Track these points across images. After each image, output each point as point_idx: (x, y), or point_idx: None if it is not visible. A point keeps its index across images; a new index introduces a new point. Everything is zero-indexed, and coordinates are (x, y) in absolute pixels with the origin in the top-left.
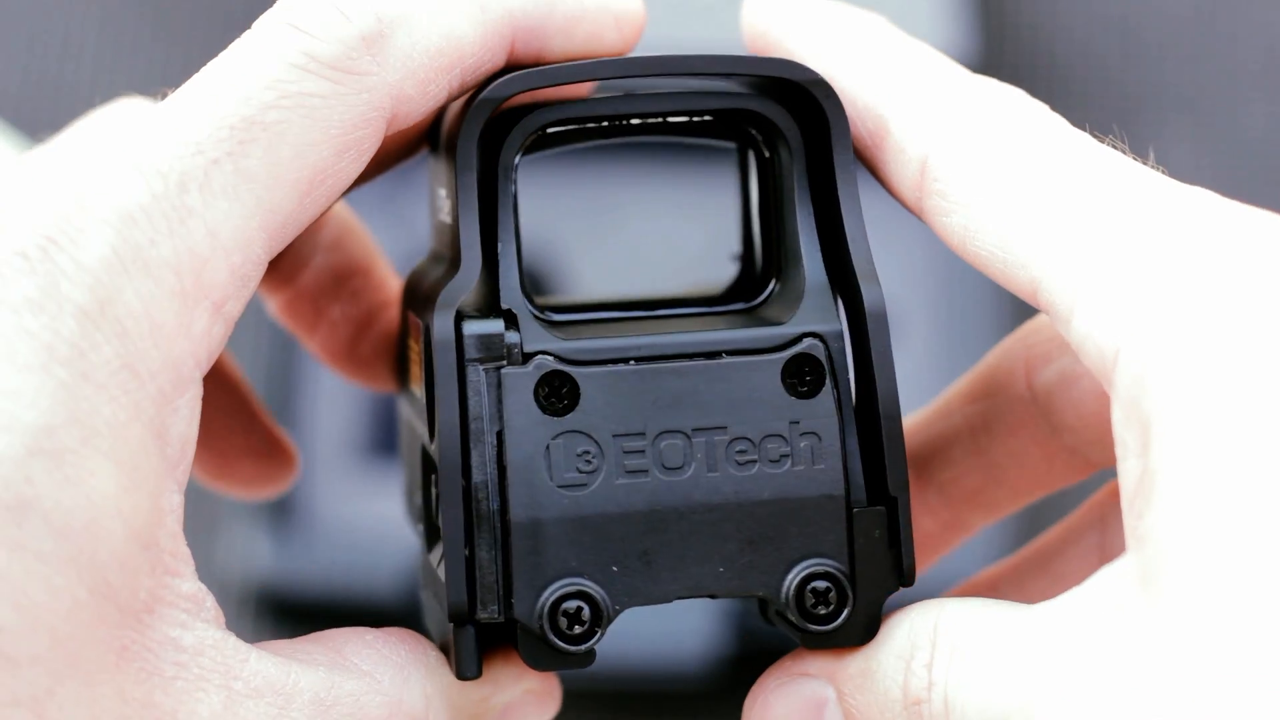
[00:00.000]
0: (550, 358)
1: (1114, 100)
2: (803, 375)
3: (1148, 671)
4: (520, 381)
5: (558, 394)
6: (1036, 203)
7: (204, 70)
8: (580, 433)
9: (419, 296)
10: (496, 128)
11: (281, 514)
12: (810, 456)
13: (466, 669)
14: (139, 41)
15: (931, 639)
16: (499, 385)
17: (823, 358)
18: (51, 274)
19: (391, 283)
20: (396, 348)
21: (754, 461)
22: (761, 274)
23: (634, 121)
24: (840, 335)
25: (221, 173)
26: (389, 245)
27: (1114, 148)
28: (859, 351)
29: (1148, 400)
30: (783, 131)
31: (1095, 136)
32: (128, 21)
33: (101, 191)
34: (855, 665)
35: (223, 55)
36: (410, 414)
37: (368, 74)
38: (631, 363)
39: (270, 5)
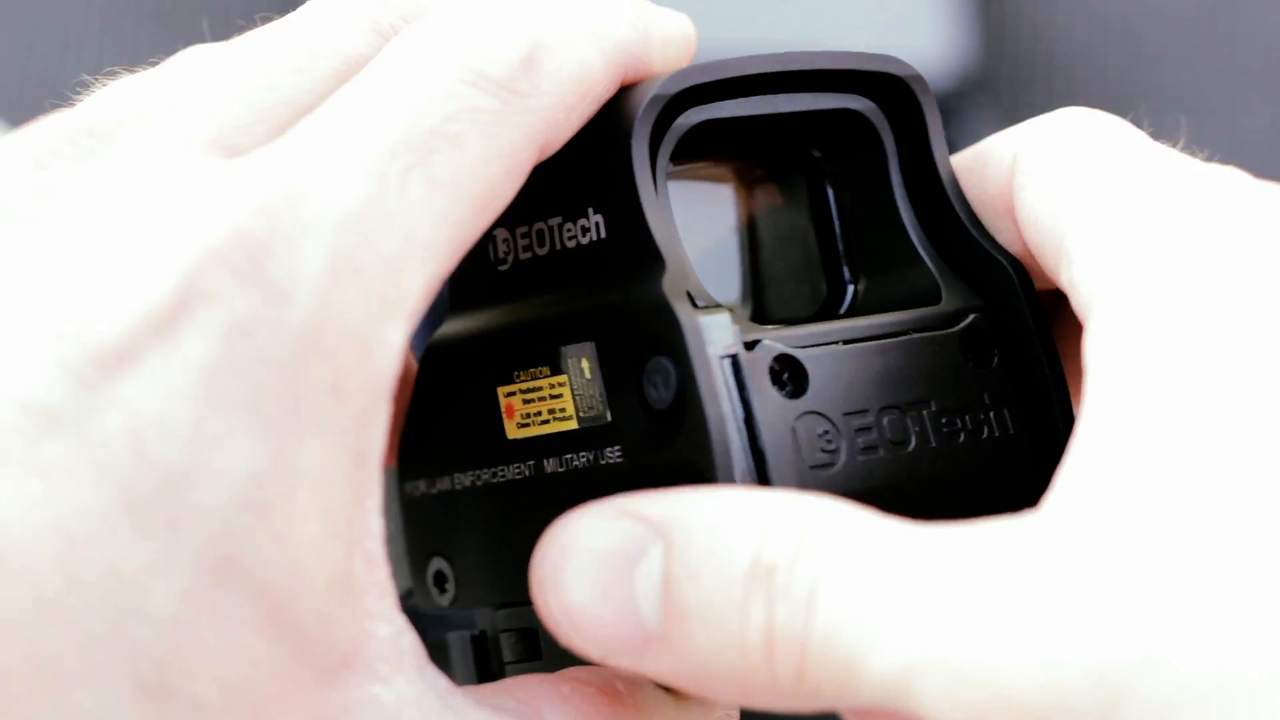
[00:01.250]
0: (774, 343)
1: (1114, 100)
2: (970, 349)
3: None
4: (758, 367)
5: (785, 378)
6: (1084, 176)
7: (366, 79)
8: (817, 413)
9: (532, 328)
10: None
11: None
12: (1004, 424)
13: None
14: (139, 41)
15: (805, 519)
16: (738, 371)
17: (987, 330)
18: (265, 290)
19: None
20: (404, 425)
21: (960, 432)
22: (859, 283)
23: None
24: (985, 310)
25: (414, 180)
26: None
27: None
28: (1010, 320)
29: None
30: (877, 130)
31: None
32: (127, 21)
33: (310, 189)
34: (703, 518)
35: (385, 66)
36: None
37: (528, 95)
38: (840, 344)
39: (277, 7)
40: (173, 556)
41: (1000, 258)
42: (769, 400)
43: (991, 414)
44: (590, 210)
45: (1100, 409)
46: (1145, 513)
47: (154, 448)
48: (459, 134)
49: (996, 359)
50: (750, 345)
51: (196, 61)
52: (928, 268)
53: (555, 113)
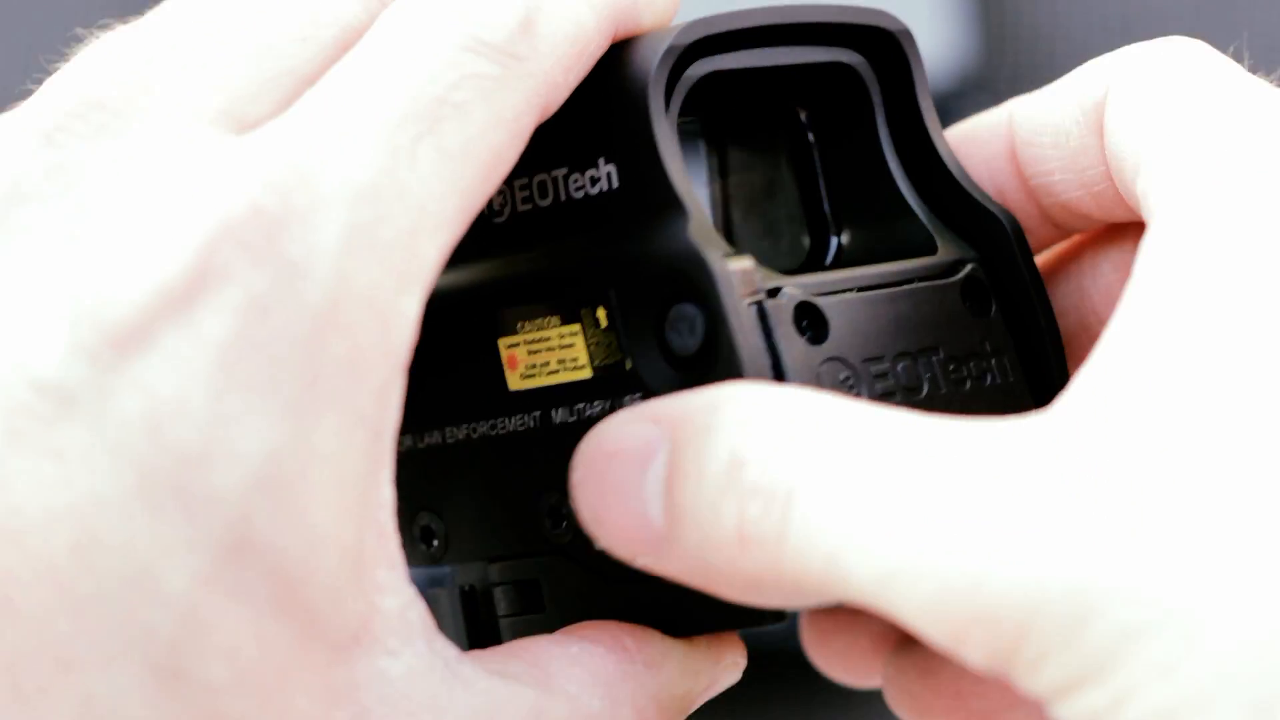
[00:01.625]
0: (795, 290)
1: None
2: (969, 298)
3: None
4: (782, 313)
5: (804, 325)
6: (1174, 95)
7: (368, 49)
8: (838, 359)
9: (525, 278)
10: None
11: None
12: (1002, 371)
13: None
14: None
15: (788, 414)
16: (764, 318)
17: (984, 279)
18: (282, 266)
19: None
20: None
21: (966, 379)
22: (843, 236)
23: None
24: (980, 261)
25: (425, 149)
26: None
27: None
28: (1005, 271)
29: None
30: (866, 84)
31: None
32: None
33: (323, 163)
34: (699, 416)
35: (385, 35)
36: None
37: (527, 59)
38: (854, 291)
39: None
40: (188, 540)
41: (993, 209)
42: (794, 346)
43: (993, 361)
44: (601, 160)
45: (1133, 317)
46: (1151, 429)
47: (170, 429)
48: (463, 102)
49: (994, 308)
50: (772, 293)
51: (196, 22)
52: (918, 219)
53: (554, 74)
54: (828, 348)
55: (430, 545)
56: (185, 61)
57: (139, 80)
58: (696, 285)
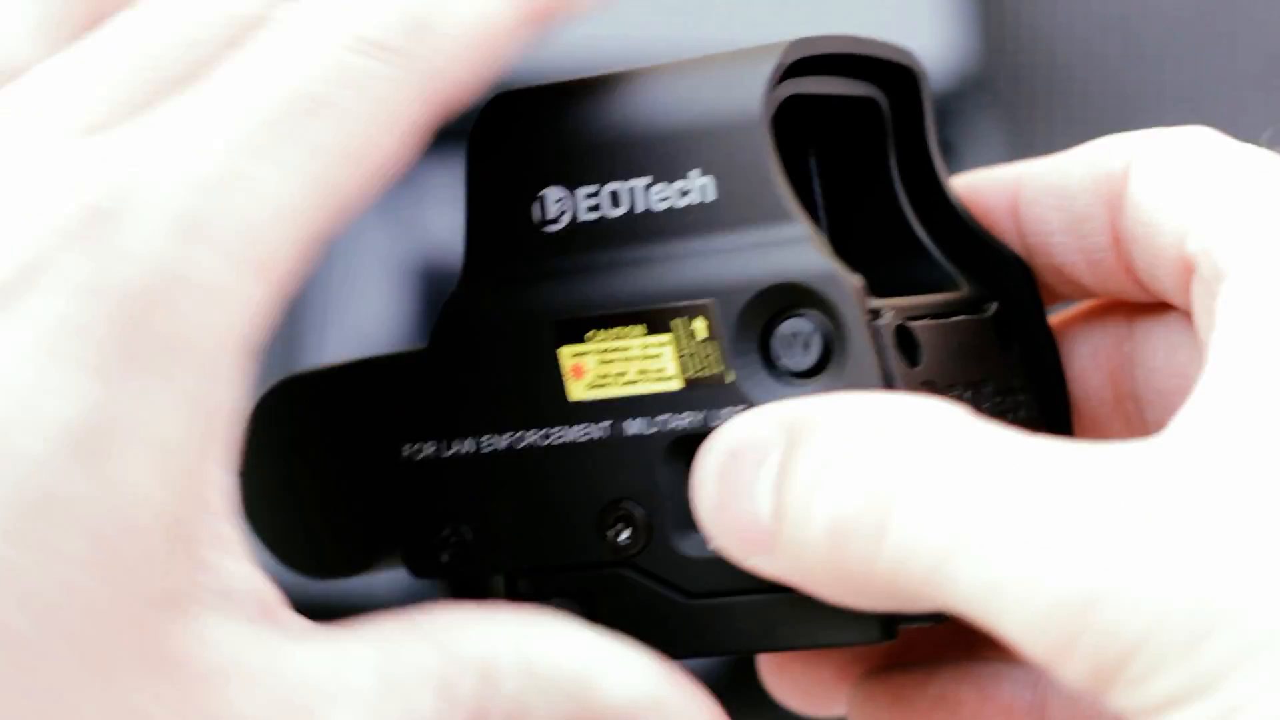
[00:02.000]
0: (890, 311)
1: (1114, 100)
2: (999, 335)
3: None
4: (888, 333)
5: (899, 345)
6: (1216, 165)
7: (251, 46)
8: (930, 383)
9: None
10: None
11: None
12: (1029, 409)
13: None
14: None
15: (892, 416)
16: (878, 337)
17: (1006, 318)
18: (109, 252)
19: None
20: (408, 389)
21: (1008, 412)
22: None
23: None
24: (992, 300)
25: (285, 145)
26: (389, 246)
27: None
28: (1017, 314)
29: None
30: (884, 116)
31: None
32: None
33: (160, 158)
34: (813, 418)
35: (270, 33)
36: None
37: (414, 54)
38: (929, 319)
39: None
40: None
41: (1007, 252)
42: (899, 365)
43: (1021, 398)
44: (695, 173)
45: (1234, 351)
46: (1271, 452)
47: None
48: (339, 99)
49: (1016, 347)
50: (875, 313)
51: (97, 39)
52: (932, 257)
53: (451, 71)
54: (922, 371)
55: (455, 555)
56: (65, 74)
57: (12, 95)
58: (820, 299)
